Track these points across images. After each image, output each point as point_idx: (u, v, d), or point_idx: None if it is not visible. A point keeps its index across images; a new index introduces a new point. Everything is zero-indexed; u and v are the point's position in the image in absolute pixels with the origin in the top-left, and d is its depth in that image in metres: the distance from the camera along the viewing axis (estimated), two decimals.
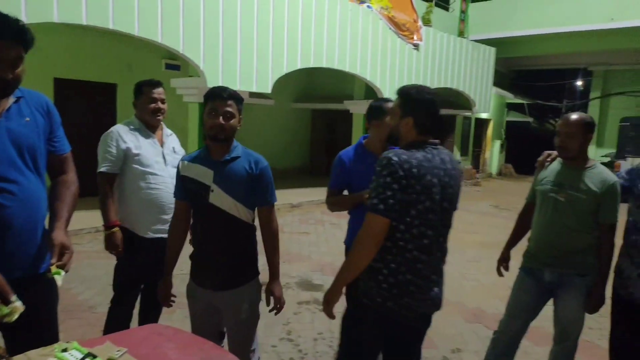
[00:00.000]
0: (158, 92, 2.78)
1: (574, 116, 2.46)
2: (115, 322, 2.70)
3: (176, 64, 9.64)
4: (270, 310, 2.28)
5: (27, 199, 1.74)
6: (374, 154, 2.55)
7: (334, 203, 2.76)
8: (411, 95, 1.95)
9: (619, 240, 2.46)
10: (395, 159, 1.82)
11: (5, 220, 1.68)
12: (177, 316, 3.83)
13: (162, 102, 2.80)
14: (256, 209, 2.24)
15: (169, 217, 2.70)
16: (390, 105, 2.39)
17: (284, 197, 9.27)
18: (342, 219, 8.19)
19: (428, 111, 1.94)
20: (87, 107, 8.67)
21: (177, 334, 1.90)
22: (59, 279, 1.74)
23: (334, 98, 12.03)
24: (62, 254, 1.74)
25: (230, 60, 7.73)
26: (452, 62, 12.35)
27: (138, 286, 2.83)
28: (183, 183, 2.22)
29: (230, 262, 2.19)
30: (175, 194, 2.28)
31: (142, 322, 2.84)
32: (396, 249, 1.87)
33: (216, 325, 2.30)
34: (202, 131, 7.43)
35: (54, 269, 1.73)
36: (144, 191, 2.68)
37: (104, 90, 8.91)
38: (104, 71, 8.72)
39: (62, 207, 1.86)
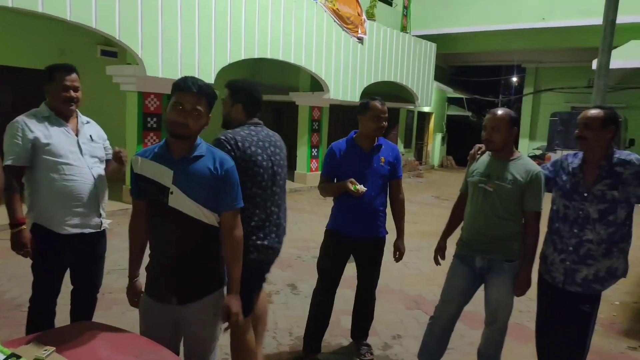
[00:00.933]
0: (71, 79, 2.54)
1: (499, 111, 2.59)
2: (38, 321, 2.56)
3: (113, 50, 9.23)
4: (226, 329, 2.19)
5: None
6: (362, 147, 3.02)
7: (324, 189, 3.10)
8: (238, 87, 2.53)
9: (544, 228, 2.62)
10: (222, 137, 2.36)
11: None
12: (113, 312, 3.70)
13: (76, 90, 2.57)
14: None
15: (87, 211, 2.58)
16: (378, 103, 2.96)
17: None
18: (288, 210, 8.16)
19: (253, 98, 2.50)
20: (15, 95, 8.12)
21: (108, 330, 1.83)
22: None
23: (280, 89, 11.95)
24: None
25: (171, 48, 7.47)
26: (395, 56, 12.60)
27: (57, 285, 2.65)
28: (137, 182, 2.01)
29: (194, 271, 1.97)
30: (132, 193, 2.07)
31: (74, 320, 2.72)
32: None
33: (173, 343, 2.05)
34: (142, 122, 7.04)
35: None
36: (58, 183, 2.48)
37: (34, 78, 8.37)
38: (34, 57, 8.18)
39: None
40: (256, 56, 8.94)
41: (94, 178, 2.62)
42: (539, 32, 13.98)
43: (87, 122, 2.73)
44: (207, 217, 1.96)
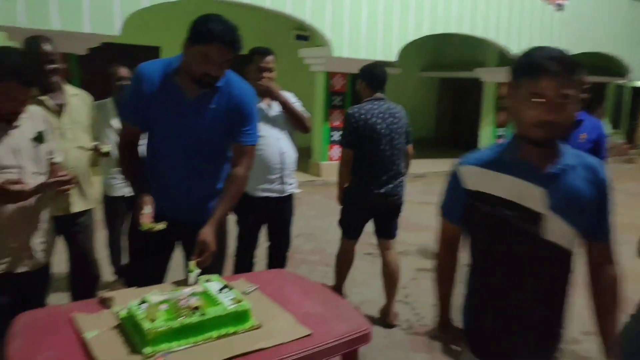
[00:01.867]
0: (267, 60, 2.83)
1: None
2: (242, 267, 2.99)
3: (305, 34, 9.94)
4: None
5: (183, 170, 2.08)
6: None
7: None
8: (363, 67, 3.23)
9: None
10: (349, 111, 3.16)
11: None
12: (301, 271, 4.12)
13: (270, 70, 2.87)
14: None
15: (274, 178, 2.87)
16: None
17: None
18: None
19: (374, 77, 3.16)
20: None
21: (300, 280, 2.08)
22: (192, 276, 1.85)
23: (464, 66, 11.45)
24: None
25: (356, 29, 7.78)
26: (602, 22, 10.95)
27: (253, 239, 3.02)
28: (473, 202, 1.44)
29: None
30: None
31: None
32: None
33: None
34: (328, 101, 7.46)
35: (191, 265, 1.87)
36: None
37: (237, 63, 9.53)
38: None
39: (221, 202, 2.07)
40: (440, 32, 8.72)
41: (280, 148, 2.90)
42: None
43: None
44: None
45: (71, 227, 2.66)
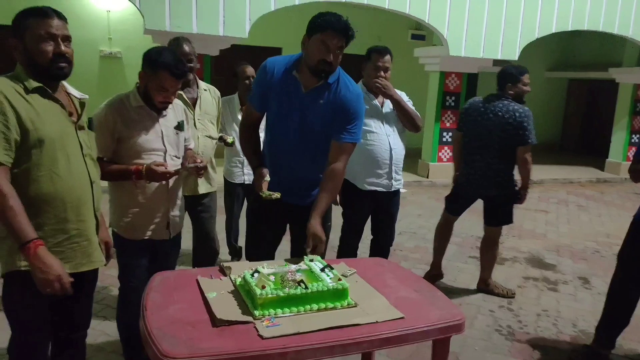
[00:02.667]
0: (384, 60, 2.95)
1: None
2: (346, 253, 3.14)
3: (421, 33, 9.86)
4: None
5: (293, 158, 2.29)
6: None
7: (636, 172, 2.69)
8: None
9: None
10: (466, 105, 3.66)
11: None
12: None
13: (385, 70, 2.98)
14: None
15: (382, 172, 3.00)
16: None
17: None
18: (591, 201, 7.31)
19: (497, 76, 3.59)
20: None
21: (397, 268, 2.18)
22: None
23: (597, 65, 10.49)
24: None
25: (476, 27, 7.54)
26: None
27: (359, 230, 3.17)
28: None
29: None
30: None
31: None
32: None
33: None
34: (441, 101, 7.37)
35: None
36: (362, 147, 2.84)
37: (356, 61, 9.76)
38: (356, 43, 9.52)
39: (323, 196, 2.21)
40: (570, 29, 8.12)
41: (390, 145, 2.98)
42: None
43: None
44: None
45: (197, 207, 3.02)
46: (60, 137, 1.67)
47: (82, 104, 1.83)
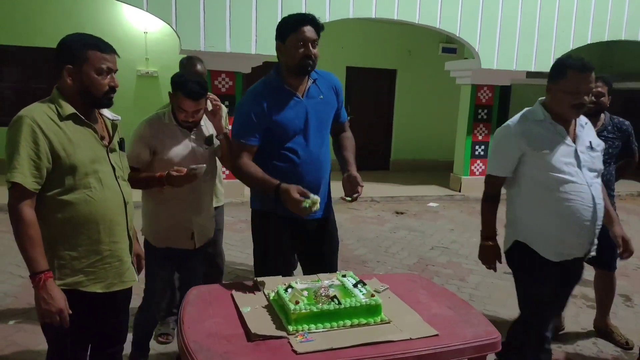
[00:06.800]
0: None
1: None
2: None
3: (452, 47, 9.81)
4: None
5: (315, 160, 2.25)
6: None
7: None
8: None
9: None
10: None
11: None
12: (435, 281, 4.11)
13: None
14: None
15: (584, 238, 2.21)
16: None
17: None
18: (632, 215, 7.04)
19: None
20: (370, 91, 9.75)
21: (429, 284, 2.16)
22: None
23: (635, 75, 10.18)
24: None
25: (508, 39, 7.47)
26: None
27: None
28: None
29: None
30: None
31: None
32: None
33: None
34: (473, 114, 7.27)
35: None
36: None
37: (386, 76, 9.82)
38: (386, 58, 9.59)
39: (349, 154, 2.33)
40: (606, 39, 7.93)
41: (593, 198, 2.16)
42: None
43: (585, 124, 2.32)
44: None
45: None
46: (92, 162, 1.75)
47: (115, 125, 1.91)
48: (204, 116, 2.39)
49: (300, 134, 2.21)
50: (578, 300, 3.91)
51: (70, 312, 1.69)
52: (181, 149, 2.32)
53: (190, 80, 2.21)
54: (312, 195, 1.99)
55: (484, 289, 3.98)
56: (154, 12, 6.07)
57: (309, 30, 2.09)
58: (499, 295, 3.95)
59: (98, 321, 1.92)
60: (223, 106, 3.08)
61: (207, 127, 2.44)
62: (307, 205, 1.96)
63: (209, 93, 2.36)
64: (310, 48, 2.10)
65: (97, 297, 1.80)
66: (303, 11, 6.48)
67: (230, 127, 3.18)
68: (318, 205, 1.98)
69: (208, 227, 2.50)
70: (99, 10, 7.86)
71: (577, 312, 3.69)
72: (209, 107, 2.32)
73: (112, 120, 1.90)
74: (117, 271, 1.84)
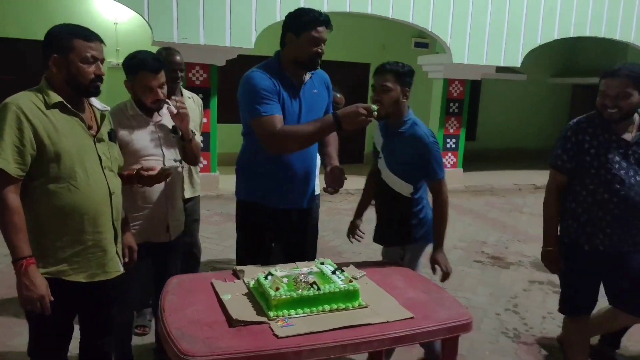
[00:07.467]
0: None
1: None
2: None
3: (424, 41, 9.95)
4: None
5: (304, 151, 2.28)
6: None
7: None
8: None
9: None
10: None
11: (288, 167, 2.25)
12: None
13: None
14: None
15: None
16: None
17: (528, 177, 8.79)
18: None
19: None
20: (344, 84, 9.76)
21: (405, 271, 2.24)
22: None
23: (600, 71, 10.48)
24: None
25: (478, 34, 7.64)
26: None
27: None
28: None
29: None
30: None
31: None
32: None
33: None
34: (445, 108, 7.43)
35: None
36: None
37: (359, 69, 9.89)
38: (360, 52, 9.65)
39: (332, 149, 2.40)
40: (572, 35, 8.20)
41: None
42: None
43: None
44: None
45: None
46: (78, 151, 1.74)
47: (103, 116, 1.90)
48: (167, 107, 2.37)
49: (294, 124, 2.23)
50: (545, 287, 4.08)
51: (52, 299, 1.68)
52: (148, 141, 2.26)
53: (145, 56, 2.18)
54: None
55: (455, 277, 4.09)
56: (124, 2, 5.97)
57: (324, 30, 2.17)
58: (470, 282, 4.09)
59: (82, 311, 1.92)
60: (195, 104, 3.08)
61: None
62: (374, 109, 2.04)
63: (175, 97, 2.35)
64: (323, 47, 2.19)
65: (81, 287, 1.80)
66: (278, 3, 6.48)
67: (205, 120, 3.16)
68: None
69: (181, 219, 2.50)
70: (68, 0, 7.66)
71: (544, 298, 3.85)
72: (173, 110, 2.25)
73: (102, 110, 1.90)
74: (99, 261, 1.84)
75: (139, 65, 2.16)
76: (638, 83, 2.17)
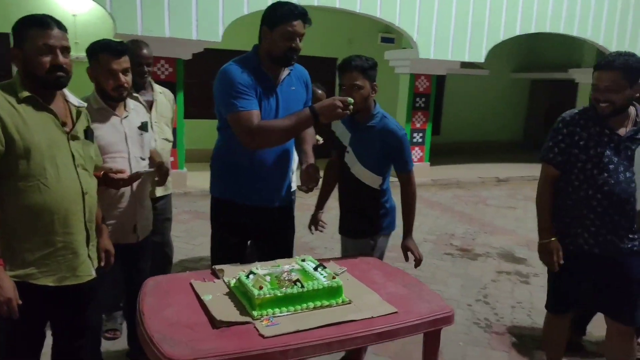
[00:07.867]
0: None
1: None
2: None
3: (391, 37, 10.03)
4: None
5: (280, 147, 2.24)
6: None
7: None
8: None
9: None
10: None
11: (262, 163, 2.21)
12: None
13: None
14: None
15: None
16: None
17: (491, 170, 9.03)
18: None
19: None
20: (310, 79, 9.74)
21: (382, 265, 2.25)
22: None
23: (558, 66, 10.91)
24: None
25: (443, 30, 7.76)
26: None
27: None
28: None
29: None
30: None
31: None
32: None
33: None
34: (412, 102, 7.42)
35: None
36: None
37: (326, 64, 9.88)
38: (326, 47, 9.64)
39: (308, 147, 2.33)
40: (533, 31, 8.44)
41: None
42: None
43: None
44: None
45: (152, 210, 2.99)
46: (49, 147, 1.66)
47: (79, 112, 1.82)
48: (134, 104, 2.32)
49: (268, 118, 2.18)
50: (513, 277, 4.20)
51: (20, 302, 1.61)
52: (113, 137, 2.17)
53: (108, 40, 2.10)
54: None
55: (427, 270, 4.18)
56: None
57: (299, 25, 2.10)
58: (441, 275, 4.17)
59: (52, 316, 1.84)
60: (166, 99, 3.00)
61: (139, 112, 2.35)
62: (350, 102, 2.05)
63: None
64: (298, 42, 2.12)
65: (50, 291, 1.72)
66: None
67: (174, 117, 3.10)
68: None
69: (149, 218, 2.44)
70: None
71: (512, 288, 3.96)
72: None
73: (78, 106, 1.81)
74: (70, 264, 1.76)
75: (100, 48, 2.07)
76: (630, 75, 2.07)
